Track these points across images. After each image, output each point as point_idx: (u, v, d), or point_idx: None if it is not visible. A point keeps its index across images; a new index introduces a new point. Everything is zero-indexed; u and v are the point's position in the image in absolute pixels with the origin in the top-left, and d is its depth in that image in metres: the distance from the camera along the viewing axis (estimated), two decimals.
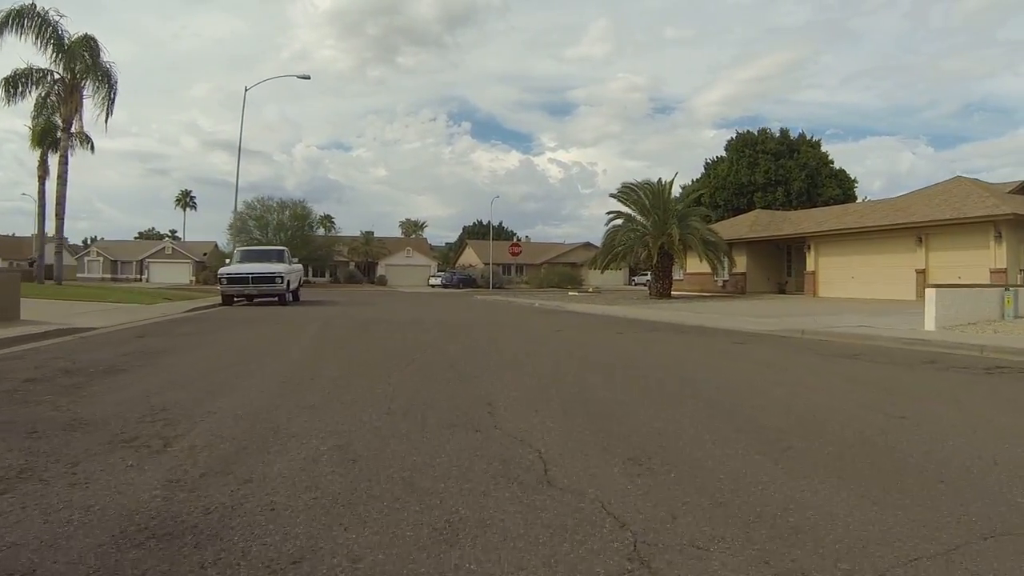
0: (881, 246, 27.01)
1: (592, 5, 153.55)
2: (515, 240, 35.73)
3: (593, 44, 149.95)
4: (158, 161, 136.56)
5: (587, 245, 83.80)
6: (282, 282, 20.41)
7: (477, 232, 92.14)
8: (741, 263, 33.99)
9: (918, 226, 25.13)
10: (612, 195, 28.89)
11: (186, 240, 76.49)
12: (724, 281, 35.15)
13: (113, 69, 27.02)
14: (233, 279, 20.57)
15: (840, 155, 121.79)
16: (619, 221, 28.78)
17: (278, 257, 22.29)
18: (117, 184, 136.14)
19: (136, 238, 72.12)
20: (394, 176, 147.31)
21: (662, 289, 28.25)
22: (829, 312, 17.28)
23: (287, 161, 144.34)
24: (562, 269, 68.16)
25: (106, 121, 26.83)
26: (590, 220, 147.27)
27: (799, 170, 46.99)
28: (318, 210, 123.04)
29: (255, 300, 21.39)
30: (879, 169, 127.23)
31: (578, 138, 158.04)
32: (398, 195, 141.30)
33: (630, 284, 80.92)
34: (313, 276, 65.94)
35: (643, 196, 28.16)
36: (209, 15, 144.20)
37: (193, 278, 60.85)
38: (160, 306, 18.54)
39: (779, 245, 34.65)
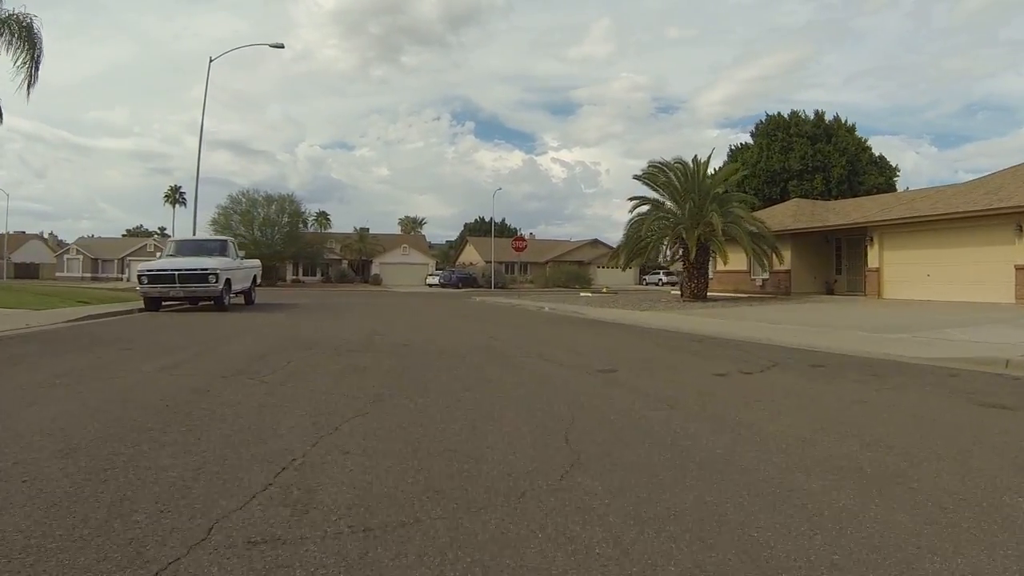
0: (966, 237, 22.05)
1: (594, 5, 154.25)
2: (519, 235, 30.73)
3: (596, 44, 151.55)
4: (160, 160, 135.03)
5: (595, 242, 79.16)
6: (216, 281, 15.69)
7: (479, 229, 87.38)
8: (783, 259, 29.09)
9: (1018, 211, 20.18)
10: (636, 177, 24.06)
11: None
12: (763, 280, 30.30)
13: (36, 24, 22.22)
14: (156, 277, 15.87)
15: None
16: (644, 208, 23.94)
17: (219, 250, 17.57)
18: (120, 184, 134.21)
19: (124, 235, 67.24)
20: (397, 176, 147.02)
21: (696, 289, 23.43)
22: (932, 321, 12.39)
23: (290, 160, 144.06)
24: (569, 267, 63.42)
25: (28, 89, 21.96)
26: (593, 220, 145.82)
27: (838, 155, 42.02)
28: (317, 208, 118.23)
29: (197, 303, 16.75)
30: None
31: (581, 138, 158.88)
32: (401, 195, 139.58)
33: (641, 283, 76.35)
34: (304, 275, 61.35)
35: (674, 178, 23.32)
36: (210, 15, 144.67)
37: None
38: (48, 313, 13.82)
39: (828, 238, 29.77)
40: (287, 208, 53.67)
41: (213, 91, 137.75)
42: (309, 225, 79.32)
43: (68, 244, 65.73)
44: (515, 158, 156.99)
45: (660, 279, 75.00)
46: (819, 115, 45.23)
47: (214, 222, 52.07)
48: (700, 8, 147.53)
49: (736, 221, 22.36)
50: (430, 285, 56.74)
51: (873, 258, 25.08)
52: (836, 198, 38.09)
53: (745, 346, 9.69)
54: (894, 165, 46.87)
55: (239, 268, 17.65)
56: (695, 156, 23.63)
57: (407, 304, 25.01)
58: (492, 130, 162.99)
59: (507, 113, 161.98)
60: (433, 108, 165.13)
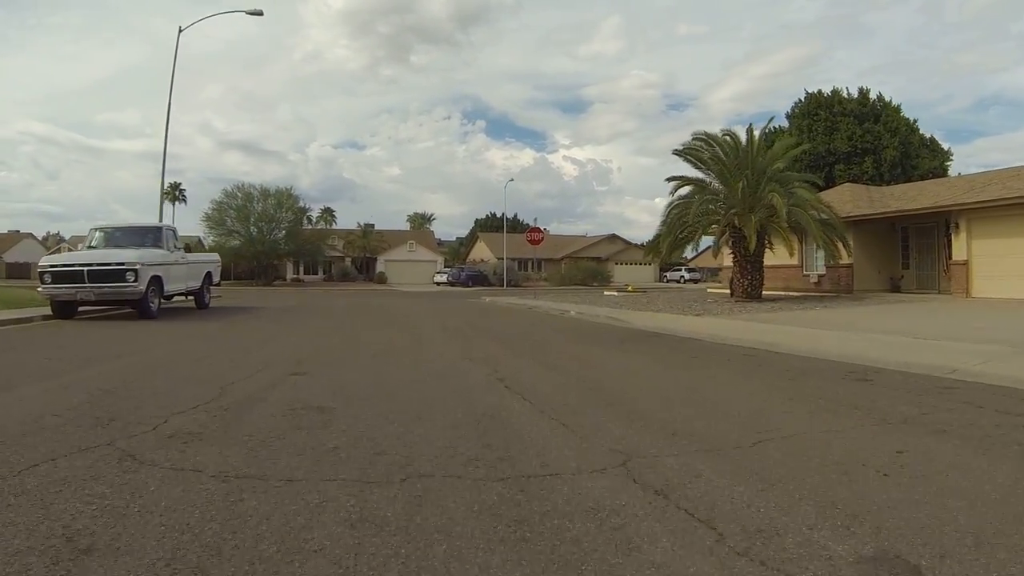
0: None
1: (604, 2, 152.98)
2: (534, 227, 26.66)
3: (606, 41, 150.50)
4: (172, 161, 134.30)
5: (612, 238, 74.91)
6: (135, 280, 11.83)
7: (490, 225, 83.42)
8: (845, 252, 24.83)
9: None
10: (676, 152, 19.87)
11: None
12: (819, 277, 26.07)
13: None
14: (61, 275, 12.08)
15: None
16: (686, 190, 19.82)
17: (152, 240, 13.65)
18: (132, 185, 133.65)
19: None
20: (407, 175, 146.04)
21: (751, 288, 19.31)
22: None
23: (301, 160, 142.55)
24: (586, 264, 59.34)
25: None
26: (605, 217, 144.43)
27: (889, 136, 37.57)
28: (322, 206, 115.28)
29: (126, 307, 12.93)
30: (897, 162, 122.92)
31: (592, 135, 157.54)
32: (412, 193, 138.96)
33: (661, 280, 72.06)
34: (306, 273, 57.70)
35: (724, 153, 19.19)
36: (220, 16, 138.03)
37: None
38: None
39: (894, 226, 25.54)
40: (285, 203, 49.88)
41: (224, 92, 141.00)
42: (314, 222, 76.26)
43: (63, 242, 62.45)
44: (526, 156, 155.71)
45: (682, 276, 70.78)
46: (863, 93, 40.75)
47: (207, 218, 48.57)
48: (710, 4, 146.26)
49: (801, 205, 18.20)
50: (438, 284, 52.92)
51: (959, 249, 20.75)
52: (888, 183, 33.76)
53: (933, 385, 5.65)
54: (946, 148, 42.36)
55: (178, 263, 13.85)
56: (749, 126, 19.53)
57: (401, 307, 21.12)
58: (503, 128, 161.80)
59: (517, 111, 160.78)
60: (443, 107, 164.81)
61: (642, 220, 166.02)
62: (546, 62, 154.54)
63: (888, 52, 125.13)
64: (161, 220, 21.85)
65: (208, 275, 16.30)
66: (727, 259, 31.29)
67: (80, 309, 12.81)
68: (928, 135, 41.64)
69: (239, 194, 48.70)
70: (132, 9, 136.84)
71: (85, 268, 11.81)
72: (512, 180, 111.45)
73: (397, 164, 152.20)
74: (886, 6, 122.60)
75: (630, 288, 31.94)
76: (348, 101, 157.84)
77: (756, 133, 19.91)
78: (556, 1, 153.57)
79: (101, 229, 13.82)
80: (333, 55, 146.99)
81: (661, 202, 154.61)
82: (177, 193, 71.60)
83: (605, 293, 31.39)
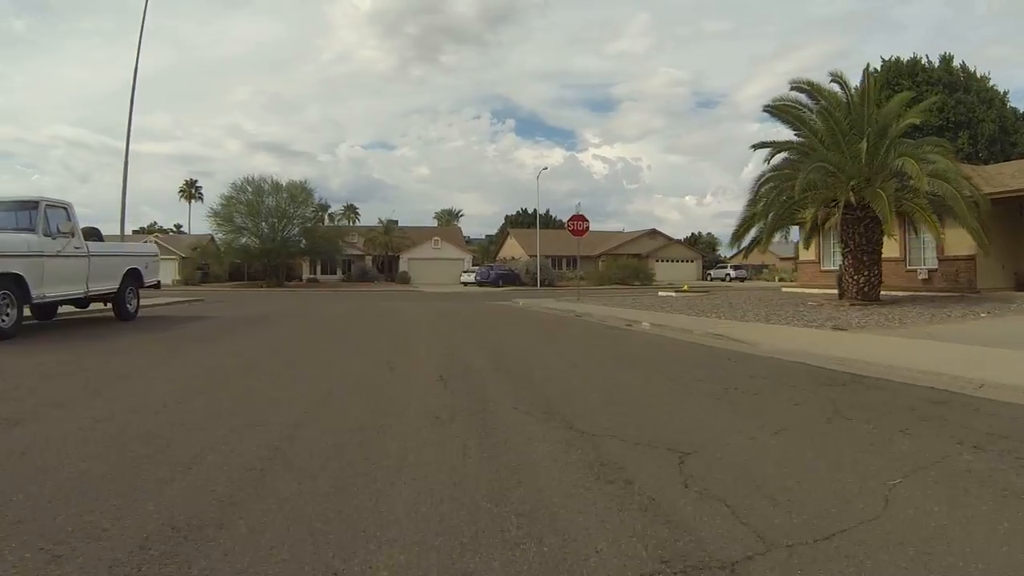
0: None
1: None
2: (577, 214, 21.92)
3: (634, 39, 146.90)
4: (201, 164, 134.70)
5: (652, 233, 69.91)
6: None
7: (521, 222, 79.09)
8: (958, 240, 19.92)
9: None
10: (767, 108, 15.26)
11: (192, 234, 65.42)
12: (928, 272, 21.20)
13: None
14: None
15: None
16: (780, 158, 15.24)
17: (22, 221, 9.43)
18: (161, 187, 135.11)
19: (135, 232, 60.99)
20: (438, 175, 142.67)
21: (867, 286, 14.69)
22: None
23: (331, 162, 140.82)
24: (626, 261, 54.58)
25: None
26: (635, 216, 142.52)
27: (984, 108, 32.25)
28: (345, 203, 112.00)
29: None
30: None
31: (621, 134, 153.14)
32: (442, 193, 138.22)
33: (705, 279, 67.03)
34: (323, 273, 54.01)
35: (830, 110, 14.57)
36: (247, 19, 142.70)
37: (178, 277, 49.74)
38: None
39: (1023, 209, 20.56)
40: (299, 197, 46.08)
41: (252, 94, 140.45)
42: (336, 219, 72.84)
43: None
44: (556, 155, 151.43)
45: (728, 274, 65.71)
46: (946, 59, 35.46)
47: (214, 213, 45.08)
48: (737, 0, 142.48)
49: (942, 175, 13.49)
50: (465, 284, 48.80)
51: None
52: (986, 162, 28.64)
53: None
54: None
55: (64, 256, 9.68)
56: (865, 67, 14.86)
57: (410, 314, 16.91)
58: (532, 128, 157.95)
59: (546, 110, 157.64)
60: (473, 107, 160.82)
61: (672, 218, 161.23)
62: (574, 61, 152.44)
63: (917, 45, 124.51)
64: (124, 220, 17.84)
65: (133, 274, 12.19)
66: (807, 252, 26.55)
67: None
68: (1022, 110, 36.23)
69: (249, 188, 45.04)
70: (161, 13, 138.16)
71: None
72: (546, 169, 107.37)
73: (427, 164, 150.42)
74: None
75: (685, 288, 27.29)
76: (377, 102, 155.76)
77: (873, 83, 15.18)
78: None
79: None
80: (361, 56, 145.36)
81: (691, 200, 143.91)
82: (193, 191, 68.63)
83: (661, 294, 26.89)
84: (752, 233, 15.23)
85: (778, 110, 15.11)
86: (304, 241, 46.25)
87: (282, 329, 12.00)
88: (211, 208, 44.84)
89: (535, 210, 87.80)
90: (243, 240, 44.06)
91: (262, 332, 11.44)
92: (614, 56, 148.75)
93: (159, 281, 13.90)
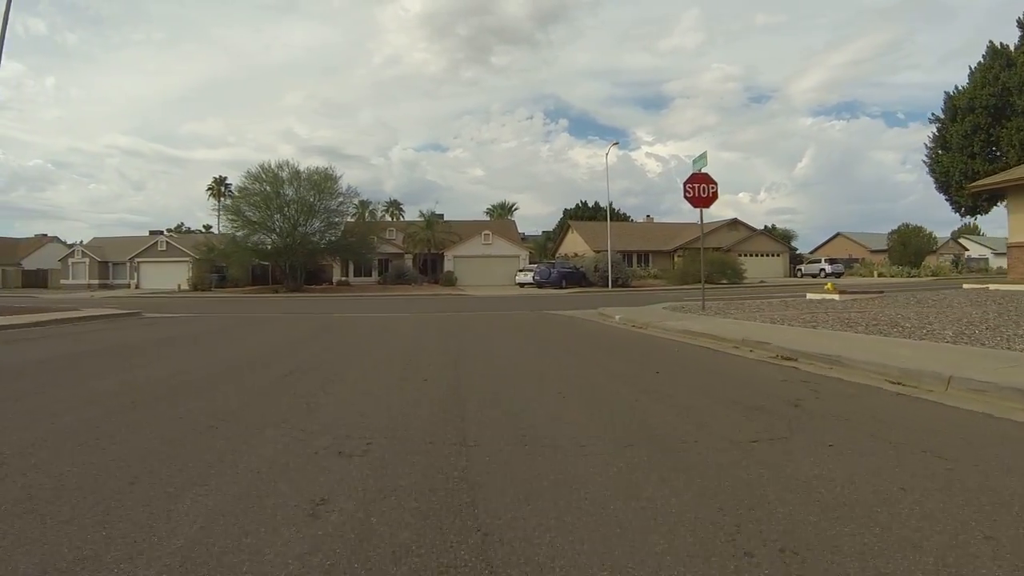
0: None
1: None
2: (698, 174, 13.65)
3: (685, 35, 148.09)
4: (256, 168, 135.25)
5: (734, 223, 60.16)
6: None
7: (581, 216, 70.69)
8: None
9: None
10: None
11: (212, 234, 59.60)
12: None
13: None
14: None
15: None
16: None
17: None
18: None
19: (151, 233, 55.32)
20: (491, 175, 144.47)
21: None
22: None
23: (384, 164, 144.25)
24: (712, 256, 45.43)
25: None
26: (691, 214, 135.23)
27: None
28: (389, 198, 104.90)
29: None
30: None
31: (674, 131, 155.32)
32: (496, 194, 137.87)
33: (795, 275, 57.27)
34: (356, 275, 46.82)
35: None
36: (298, 24, 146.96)
37: (185, 282, 43.54)
38: None
39: None
40: (323, 187, 38.74)
41: (305, 99, 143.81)
42: (377, 215, 65.74)
43: (74, 245, 54.46)
44: (609, 154, 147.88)
45: (823, 269, 55.89)
46: None
47: (225, 208, 38.53)
48: None
49: None
50: (521, 284, 40.80)
51: None
52: None
53: None
54: None
55: None
56: None
57: (424, 345, 8.89)
58: (585, 127, 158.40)
59: (599, 109, 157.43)
60: (525, 107, 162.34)
61: (725, 215, 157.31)
62: (625, 58, 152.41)
63: (971, 32, 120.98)
64: None
65: None
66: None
67: None
68: None
69: (265, 177, 38.00)
70: (212, 22, 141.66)
71: None
72: (616, 143, 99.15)
73: (480, 165, 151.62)
74: None
75: (829, 287, 18.47)
76: (429, 104, 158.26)
77: None
78: None
79: None
80: (412, 59, 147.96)
81: (745, 196, 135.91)
82: (223, 188, 62.78)
83: (808, 296, 18.23)
84: None
85: None
86: (327, 237, 39.05)
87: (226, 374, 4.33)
88: (216, 199, 38.05)
89: (596, 203, 79.65)
90: (253, 237, 37.28)
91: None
92: (665, 53, 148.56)
93: None
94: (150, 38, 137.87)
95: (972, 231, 77.45)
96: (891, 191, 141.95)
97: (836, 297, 16.91)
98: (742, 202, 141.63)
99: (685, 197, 14.13)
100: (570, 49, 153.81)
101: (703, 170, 14.31)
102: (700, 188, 14.09)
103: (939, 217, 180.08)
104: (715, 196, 14.20)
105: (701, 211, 14.38)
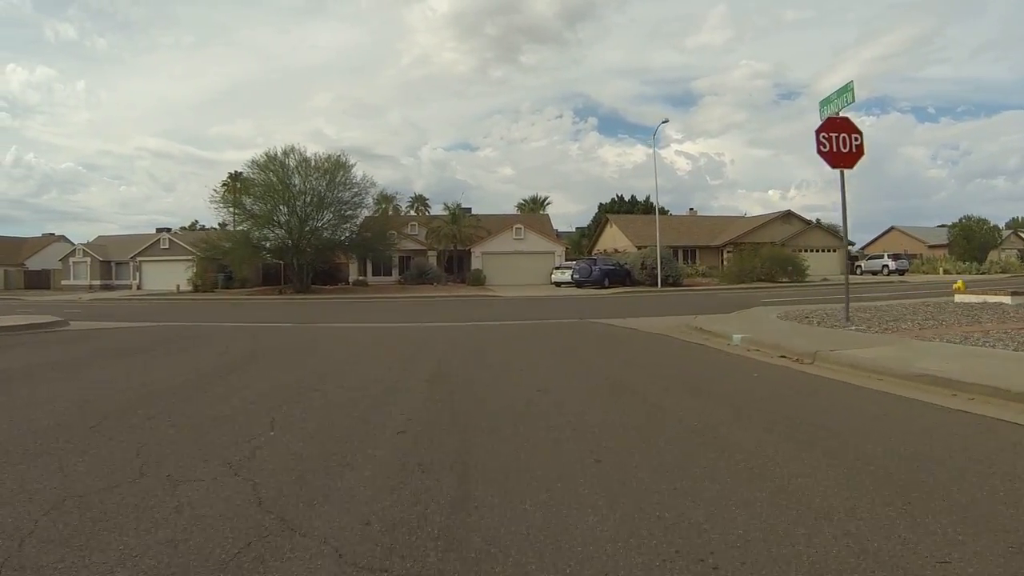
0: None
1: None
2: (835, 118, 9.41)
3: (713, 32, 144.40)
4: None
5: (787, 215, 54.51)
6: None
7: (618, 211, 65.85)
8: None
9: None
10: None
11: (215, 230, 56.23)
12: None
13: None
14: None
15: (972, 133, 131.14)
16: None
17: None
18: None
19: (158, 230, 52.03)
20: (521, 174, 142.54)
21: None
22: None
23: (414, 164, 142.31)
24: (772, 251, 40.34)
25: None
26: (721, 212, 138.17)
27: None
28: (414, 193, 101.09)
29: None
30: (1016, 146, 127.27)
31: (704, 129, 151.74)
32: (526, 193, 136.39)
33: (855, 272, 51.73)
34: (374, 274, 42.77)
35: None
36: (325, 25, 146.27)
37: (184, 281, 40.07)
38: None
39: None
40: (336, 176, 34.65)
41: (333, 100, 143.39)
42: (401, 211, 61.80)
43: (75, 244, 51.28)
44: (638, 152, 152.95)
45: (886, 266, 50.36)
46: None
47: (223, 199, 34.88)
48: None
49: None
50: (558, 284, 36.19)
51: None
52: None
53: None
54: None
55: None
56: None
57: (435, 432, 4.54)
58: (614, 125, 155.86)
59: (627, 107, 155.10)
60: (555, 106, 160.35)
61: (755, 213, 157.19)
62: (654, 56, 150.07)
63: (1002, 26, 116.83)
64: None
65: None
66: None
67: None
68: None
69: (271, 165, 34.00)
70: (239, 25, 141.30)
71: None
72: (666, 121, 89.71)
73: (510, 164, 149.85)
74: None
75: (959, 286, 13.46)
76: (458, 103, 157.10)
77: None
78: None
79: None
80: (441, 59, 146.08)
81: (775, 194, 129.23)
82: (239, 184, 59.37)
83: (958, 299, 13.52)
84: None
85: None
86: (340, 232, 34.96)
87: None
88: (213, 190, 34.38)
89: (632, 197, 74.77)
90: (257, 233, 33.41)
91: None
92: (694, 50, 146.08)
93: None
94: (178, 41, 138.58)
95: (1022, 225, 71.61)
96: (923, 187, 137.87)
97: (1007, 301, 12.16)
98: (772, 199, 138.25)
99: (819, 152, 9.48)
100: (598, 47, 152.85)
101: (842, 112, 9.73)
102: (839, 139, 9.47)
103: (974, 212, 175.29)
104: (861, 152, 9.57)
105: (842, 174, 9.71)
